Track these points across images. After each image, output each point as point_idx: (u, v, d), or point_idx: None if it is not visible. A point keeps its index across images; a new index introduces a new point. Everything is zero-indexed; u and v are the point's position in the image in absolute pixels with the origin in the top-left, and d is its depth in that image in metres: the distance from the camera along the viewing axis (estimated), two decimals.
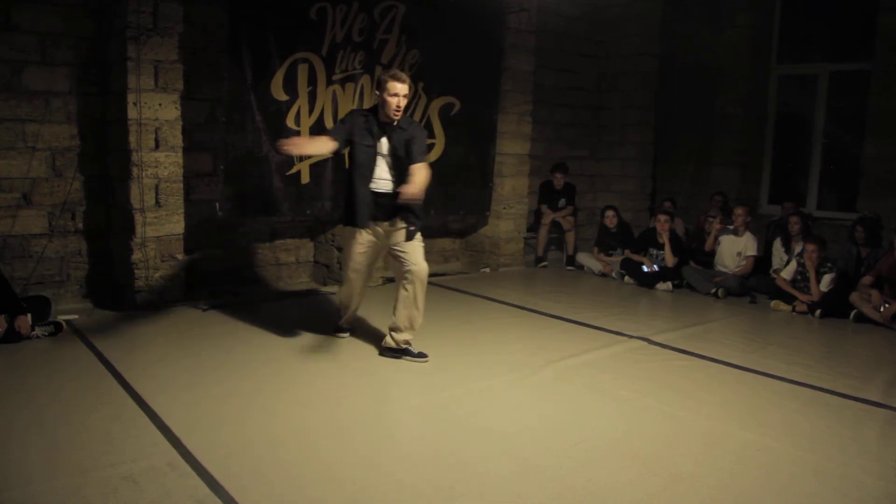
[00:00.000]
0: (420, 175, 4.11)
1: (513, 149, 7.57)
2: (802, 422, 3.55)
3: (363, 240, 4.37)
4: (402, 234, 4.35)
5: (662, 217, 7.10)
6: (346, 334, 4.82)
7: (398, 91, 4.15)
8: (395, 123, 4.24)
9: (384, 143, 4.27)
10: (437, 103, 6.86)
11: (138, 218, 5.20)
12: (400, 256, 4.38)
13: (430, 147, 6.93)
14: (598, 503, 2.67)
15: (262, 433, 3.20)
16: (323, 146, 4.26)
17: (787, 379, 4.20)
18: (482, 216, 7.65)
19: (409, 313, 4.37)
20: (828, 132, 8.26)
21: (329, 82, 6.09)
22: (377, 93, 4.26)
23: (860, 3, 7.71)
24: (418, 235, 4.42)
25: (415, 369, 4.18)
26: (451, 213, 7.47)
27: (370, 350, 4.54)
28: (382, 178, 4.29)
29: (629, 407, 3.68)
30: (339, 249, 6.56)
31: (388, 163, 4.28)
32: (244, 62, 5.59)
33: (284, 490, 2.69)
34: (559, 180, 7.97)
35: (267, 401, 3.66)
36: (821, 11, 8.18)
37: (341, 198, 6.44)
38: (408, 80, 4.25)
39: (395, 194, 4.17)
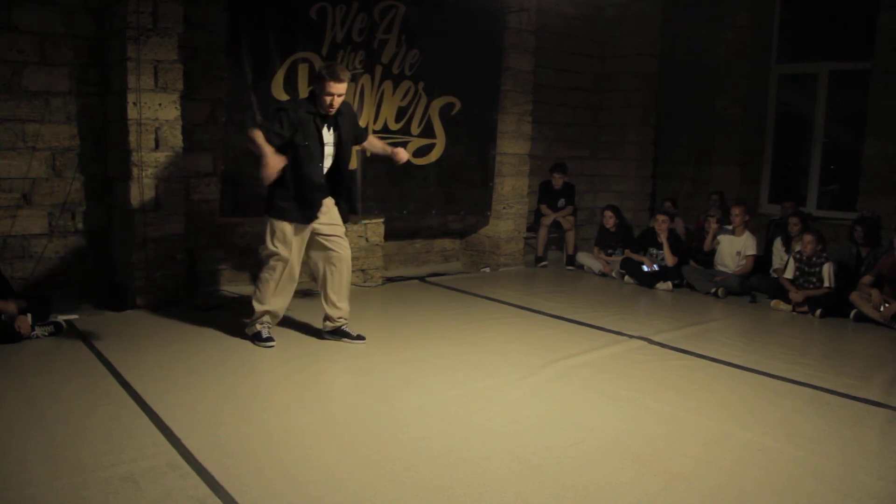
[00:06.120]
0: (384, 144, 4.82)
1: (513, 148, 7.58)
2: (802, 422, 3.55)
3: (301, 232, 4.42)
4: (331, 216, 4.50)
5: (661, 217, 7.10)
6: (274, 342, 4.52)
7: (334, 91, 4.17)
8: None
9: (330, 134, 4.37)
10: (437, 103, 6.86)
11: (138, 218, 5.20)
12: (326, 244, 4.52)
13: (431, 147, 6.94)
14: (597, 503, 2.67)
15: (262, 433, 3.20)
16: (262, 138, 4.19)
17: (787, 378, 4.20)
18: (482, 216, 7.65)
19: (342, 296, 4.58)
20: (828, 132, 8.27)
21: None
22: (314, 84, 4.30)
23: (860, 3, 7.71)
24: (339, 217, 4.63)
25: (414, 369, 4.18)
26: (452, 213, 7.47)
27: (369, 350, 4.54)
28: (325, 165, 4.43)
29: (629, 407, 3.67)
30: None
31: (332, 151, 4.42)
32: (244, 62, 5.60)
33: (284, 490, 2.69)
34: (558, 180, 7.97)
35: (267, 400, 3.66)
36: (821, 11, 8.19)
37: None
38: (347, 79, 4.24)
39: (331, 178, 4.44)
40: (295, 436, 3.19)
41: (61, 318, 4.77)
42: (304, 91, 5.91)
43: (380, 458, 2.98)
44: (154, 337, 4.65)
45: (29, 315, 4.43)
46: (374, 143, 4.89)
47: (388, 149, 4.75)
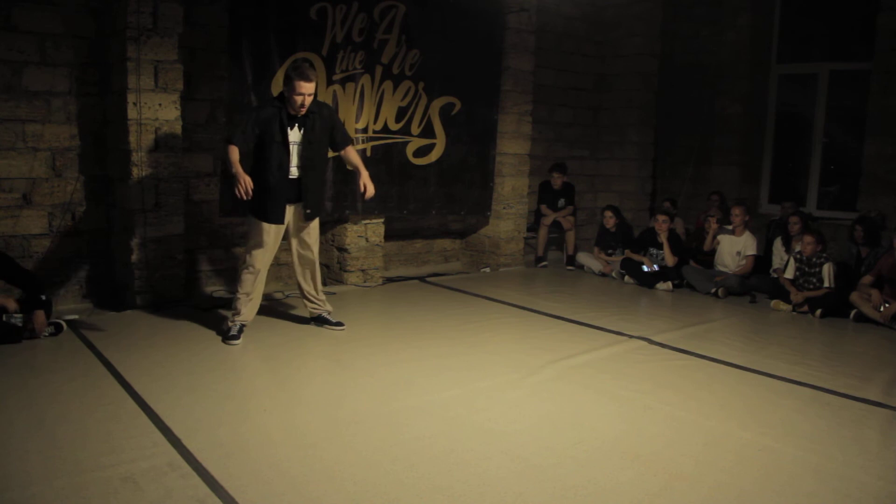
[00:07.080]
0: (360, 162, 4.76)
1: (513, 149, 7.58)
2: (802, 422, 3.55)
3: (276, 228, 4.59)
4: (308, 219, 4.68)
5: (661, 217, 7.10)
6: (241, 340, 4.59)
7: (304, 91, 4.29)
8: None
9: (295, 133, 4.47)
10: (437, 103, 6.87)
11: (138, 218, 5.20)
12: (306, 244, 4.76)
13: (431, 147, 6.95)
14: (597, 503, 2.67)
15: (261, 433, 3.20)
16: (237, 156, 4.39)
17: (788, 379, 4.20)
18: (483, 216, 7.66)
19: (318, 289, 4.95)
20: (828, 132, 8.27)
21: (329, 82, 6.10)
22: (284, 86, 4.41)
23: (860, 3, 7.71)
24: (317, 220, 4.79)
25: (414, 369, 4.18)
26: (452, 213, 7.47)
27: (369, 350, 4.54)
28: (292, 166, 4.52)
29: (629, 407, 3.68)
30: (340, 249, 6.58)
31: (297, 150, 4.50)
32: (244, 62, 5.60)
33: (284, 490, 2.69)
34: (557, 180, 7.97)
35: (266, 401, 3.66)
36: (820, 11, 8.19)
37: (342, 198, 6.43)
38: (315, 78, 4.38)
39: (299, 178, 4.54)
40: (295, 436, 3.19)
41: (61, 318, 4.77)
42: None
43: (380, 458, 2.99)
44: (154, 337, 4.65)
45: (42, 311, 4.43)
46: (350, 157, 4.79)
47: (363, 172, 4.69)
